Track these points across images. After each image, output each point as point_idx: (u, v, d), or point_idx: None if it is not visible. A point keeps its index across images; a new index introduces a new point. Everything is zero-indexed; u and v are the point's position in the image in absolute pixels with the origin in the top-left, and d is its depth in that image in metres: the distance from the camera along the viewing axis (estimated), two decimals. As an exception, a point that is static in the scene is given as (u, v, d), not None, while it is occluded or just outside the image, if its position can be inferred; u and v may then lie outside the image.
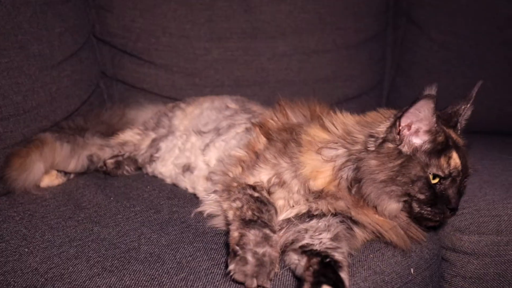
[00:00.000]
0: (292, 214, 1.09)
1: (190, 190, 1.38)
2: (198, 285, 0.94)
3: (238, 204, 1.07)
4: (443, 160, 1.04)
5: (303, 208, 1.09)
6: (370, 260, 1.08)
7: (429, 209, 1.05)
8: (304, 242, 1.01)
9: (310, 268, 0.92)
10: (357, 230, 1.08)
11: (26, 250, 1.04)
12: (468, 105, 1.15)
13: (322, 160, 1.09)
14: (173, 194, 1.34)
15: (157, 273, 0.97)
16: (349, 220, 1.07)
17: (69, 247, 1.06)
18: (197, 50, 1.86)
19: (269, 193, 1.13)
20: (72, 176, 1.45)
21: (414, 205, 1.05)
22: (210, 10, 1.84)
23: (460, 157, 1.06)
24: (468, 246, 1.25)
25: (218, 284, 0.94)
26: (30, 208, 1.24)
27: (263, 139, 1.22)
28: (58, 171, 1.40)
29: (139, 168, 1.55)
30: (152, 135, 1.52)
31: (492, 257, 1.25)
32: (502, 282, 1.26)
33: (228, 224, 1.07)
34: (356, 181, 1.06)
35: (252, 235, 0.96)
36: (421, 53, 2.08)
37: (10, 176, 1.28)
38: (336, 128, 1.14)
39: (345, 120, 1.16)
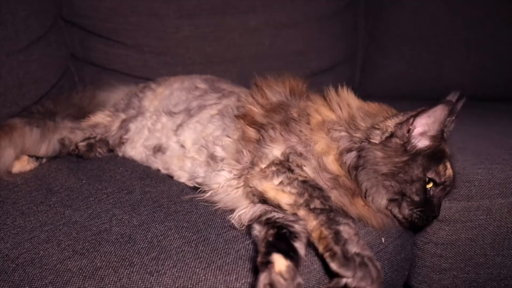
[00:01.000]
0: None
1: (163, 171, 1.38)
2: (169, 264, 0.95)
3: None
4: (441, 167, 1.07)
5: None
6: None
7: (419, 212, 1.07)
8: (270, 215, 1.02)
9: (265, 239, 0.92)
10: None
11: (-3, 236, 1.05)
12: (453, 118, 1.16)
13: (330, 140, 1.11)
14: (145, 175, 1.34)
15: (128, 253, 0.98)
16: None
17: (40, 232, 1.06)
18: (167, 28, 1.84)
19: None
20: (44, 160, 1.44)
21: (404, 205, 1.07)
22: (179, -13, 1.81)
23: (452, 167, 1.10)
24: (440, 213, 1.27)
25: (189, 261, 0.95)
26: (2, 194, 1.23)
27: (251, 129, 1.20)
28: (30, 156, 1.39)
29: (111, 150, 1.54)
30: (122, 116, 1.51)
31: (463, 222, 1.27)
32: (473, 247, 1.28)
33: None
34: (355, 169, 1.07)
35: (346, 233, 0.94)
36: (394, 21, 2.08)
37: None
38: (341, 110, 1.15)
39: (349, 102, 1.17)
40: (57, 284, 0.91)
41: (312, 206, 1.00)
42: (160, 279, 0.92)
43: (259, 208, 1.06)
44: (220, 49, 1.88)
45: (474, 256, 1.29)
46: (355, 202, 1.07)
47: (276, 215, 1.01)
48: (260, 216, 1.03)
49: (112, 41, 1.85)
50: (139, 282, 0.91)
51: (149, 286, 0.91)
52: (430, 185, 1.08)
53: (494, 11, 2.00)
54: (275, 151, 1.12)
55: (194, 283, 0.91)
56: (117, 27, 1.82)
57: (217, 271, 0.94)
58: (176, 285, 0.91)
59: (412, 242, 1.29)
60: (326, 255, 0.91)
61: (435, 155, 1.07)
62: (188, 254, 0.98)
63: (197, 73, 1.69)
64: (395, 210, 1.09)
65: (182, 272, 0.93)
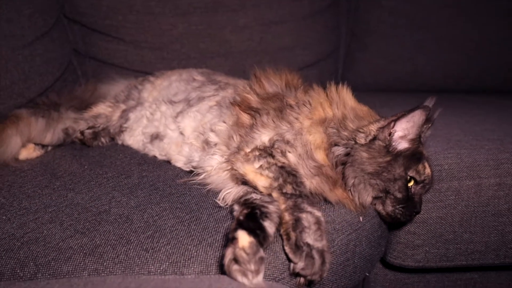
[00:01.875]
0: None
1: (160, 157, 1.37)
2: (163, 241, 0.95)
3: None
4: (421, 167, 1.09)
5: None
6: (321, 210, 1.09)
7: (402, 208, 1.08)
8: (248, 196, 1.02)
9: (237, 218, 0.92)
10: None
11: (4, 217, 1.03)
12: (430, 125, 1.18)
13: (325, 135, 1.11)
14: (143, 160, 1.33)
15: (125, 232, 0.97)
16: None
17: (44, 213, 1.05)
18: (163, 26, 1.82)
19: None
20: (49, 148, 1.42)
21: (388, 202, 1.09)
22: (173, -14, 1.79)
23: (430, 167, 1.12)
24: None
25: (182, 239, 0.95)
26: (9, 179, 1.22)
27: (245, 115, 1.20)
28: (36, 144, 1.38)
29: (113, 139, 1.53)
30: (123, 106, 1.50)
31: (434, 202, 1.27)
32: (443, 225, 1.29)
33: None
34: (342, 164, 1.08)
35: (306, 221, 0.94)
36: (373, 20, 2.08)
37: None
38: (338, 109, 1.15)
39: (346, 101, 1.18)
40: (60, 260, 0.90)
41: (284, 191, 1.02)
42: (155, 255, 0.92)
43: (241, 189, 1.06)
44: (213, 45, 1.87)
45: (444, 233, 1.29)
46: (335, 190, 1.08)
47: (254, 196, 1.02)
48: (241, 197, 1.03)
49: (112, 37, 1.83)
50: (136, 258, 0.91)
51: (144, 262, 0.91)
52: (411, 183, 1.09)
53: (463, 12, 2.01)
54: (264, 136, 1.12)
55: (187, 259, 0.91)
56: (117, 24, 1.80)
57: (208, 247, 0.93)
58: (170, 261, 0.90)
59: (388, 221, 1.30)
60: (284, 237, 0.94)
61: (414, 156, 1.08)
62: (181, 232, 0.97)
63: (192, 67, 1.68)
64: (379, 207, 1.11)
65: (176, 249, 0.93)
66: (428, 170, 1.11)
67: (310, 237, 0.91)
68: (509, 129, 1.50)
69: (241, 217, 0.92)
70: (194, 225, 1.00)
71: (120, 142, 1.49)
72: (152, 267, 0.90)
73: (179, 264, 0.90)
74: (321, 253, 0.90)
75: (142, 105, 1.46)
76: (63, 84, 1.62)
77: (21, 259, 0.91)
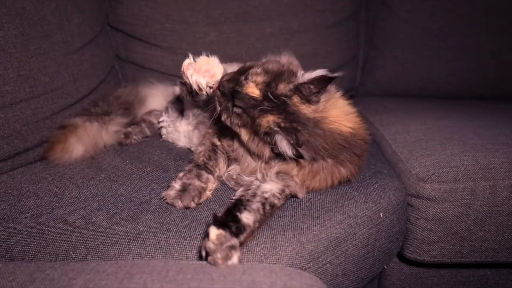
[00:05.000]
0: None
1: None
2: (200, 230, 0.97)
3: (200, 149, 1.18)
4: None
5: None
6: (345, 206, 1.10)
7: None
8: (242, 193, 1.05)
9: (214, 215, 0.92)
10: None
11: (57, 205, 1.07)
12: None
13: None
14: (178, 157, 1.35)
15: (165, 221, 1.00)
16: None
17: (92, 202, 1.08)
18: (196, 34, 1.84)
19: None
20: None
21: None
22: (206, -2, 1.81)
23: None
24: (430, 193, 1.27)
25: (217, 228, 0.96)
26: (60, 170, 1.25)
27: None
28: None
29: (146, 137, 1.54)
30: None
31: (450, 201, 1.26)
32: (459, 223, 1.28)
33: None
34: None
35: (189, 172, 1.08)
36: (390, 30, 2.06)
37: (55, 159, 1.28)
38: None
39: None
40: (107, 244, 0.93)
41: None
42: (192, 243, 0.94)
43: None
44: (241, 51, 1.87)
45: (459, 230, 1.28)
46: None
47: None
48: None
49: (150, 44, 1.85)
50: (175, 245, 0.93)
51: (183, 248, 0.93)
52: None
53: (477, 22, 1.97)
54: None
55: (222, 247, 0.92)
56: (154, 32, 1.83)
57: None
58: (207, 248, 0.92)
59: (406, 217, 1.29)
60: None
61: None
62: (216, 222, 0.99)
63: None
64: None
65: (211, 237, 0.94)
66: None
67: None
68: (522, 134, 1.48)
69: (219, 213, 0.93)
70: (227, 216, 1.01)
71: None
72: (190, 253, 0.92)
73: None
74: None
75: None
76: (106, 86, 1.64)
77: (73, 242, 0.94)
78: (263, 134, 0.99)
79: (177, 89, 1.63)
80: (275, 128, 0.96)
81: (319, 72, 0.97)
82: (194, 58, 1.14)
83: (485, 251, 1.31)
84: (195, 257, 0.91)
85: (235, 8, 1.83)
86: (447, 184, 1.27)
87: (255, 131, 1.00)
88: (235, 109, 1.00)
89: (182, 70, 1.12)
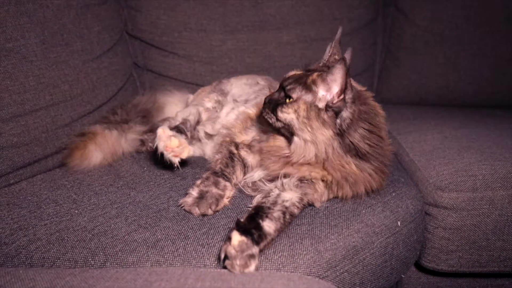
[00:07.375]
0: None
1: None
2: (217, 238, 0.96)
3: (217, 156, 1.20)
4: None
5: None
6: (362, 215, 1.09)
7: None
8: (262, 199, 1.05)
9: (237, 220, 0.93)
10: None
11: (76, 211, 1.07)
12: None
13: None
14: (196, 164, 1.36)
15: (183, 228, 1.00)
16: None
17: (110, 209, 1.08)
18: (213, 42, 1.85)
19: (250, 147, 1.20)
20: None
21: None
22: (223, 7, 1.82)
23: None
24: (448, 202, 1.26)
25: (234, 236, 0.96)
26: (79, 177, 1.26)
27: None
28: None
29: None
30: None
31: (468, 211, 1.25)
32: (477, 232, 1.26)
33: None
34: None
35: (206, 180, 1.09)
36: (407, 38, 2.04)
37: (74, 165, 1.30)
38: None
39: None
40: (126, 251, 0.93)
41: None
42: (210, 251, 0.93)
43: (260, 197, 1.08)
44: (258, 60, 1.88)
45: (478, 240, 1.27)
46: None
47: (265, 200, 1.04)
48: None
49: (168, 52, 1.87)
50: (193, 253, 0.93)
51: (201, 256, 0.92)
52: None
53: (494, 31, 1.95)
54: (251, 135, 1.24)
55: (239, 255, 0.92)
56: (172, 40, 1.84)
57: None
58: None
59: (424, 226, 1.28)
60: None
61: None
62: (234, 230, 0.98)
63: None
64: None
65: (229, 245, 0.94)
66: None
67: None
68: (542, 143, 1.45)
69: (242, 219, 0.94)
70: (245, 224, 1.01)
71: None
72: (208, 261, 0.91)
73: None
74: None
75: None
76: (124, 93, 1.66)
77: (92, 249, 0.94)
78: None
79: (191, 97, 1.65)
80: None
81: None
82: (166, 130, 1.18)
83: (503, 260, 1.28)
84: (213, 264, 0.91)
85: (252, 17, 1.84)
86: (465, 193, 1.25)
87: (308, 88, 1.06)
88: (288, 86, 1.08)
89: (157, 134, 1.17)
